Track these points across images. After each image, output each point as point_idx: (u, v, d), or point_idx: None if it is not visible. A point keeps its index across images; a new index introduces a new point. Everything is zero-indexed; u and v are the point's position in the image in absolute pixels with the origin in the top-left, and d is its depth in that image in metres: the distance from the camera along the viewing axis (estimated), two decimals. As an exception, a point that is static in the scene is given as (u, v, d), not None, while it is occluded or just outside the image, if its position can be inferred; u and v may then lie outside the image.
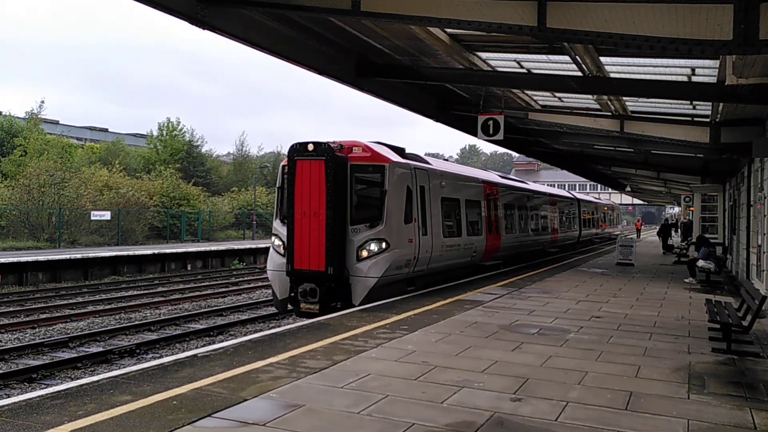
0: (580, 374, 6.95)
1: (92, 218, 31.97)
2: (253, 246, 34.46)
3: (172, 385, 6.19)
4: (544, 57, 11.75)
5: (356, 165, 12.90)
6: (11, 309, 16.85)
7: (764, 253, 12.90)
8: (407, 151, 14.71)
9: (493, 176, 22.36)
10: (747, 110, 12.08)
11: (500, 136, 15.13)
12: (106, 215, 32.72)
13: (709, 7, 6.92)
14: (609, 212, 49.40)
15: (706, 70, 11.00)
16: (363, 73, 13.32)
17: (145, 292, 20.95)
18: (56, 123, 57.35)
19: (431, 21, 8.85)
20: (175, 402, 5.68)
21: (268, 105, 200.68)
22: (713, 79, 11.17)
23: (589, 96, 13.96)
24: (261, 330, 13.14)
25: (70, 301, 18.51)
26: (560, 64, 11.75)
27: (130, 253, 26.96)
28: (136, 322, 14.90)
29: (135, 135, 67.38)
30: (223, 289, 21.89)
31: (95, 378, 6.63)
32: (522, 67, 12.83)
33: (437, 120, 18.06)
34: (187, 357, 7.52)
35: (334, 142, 12.89)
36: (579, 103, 15.70)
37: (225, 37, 10.23)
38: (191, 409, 5.49)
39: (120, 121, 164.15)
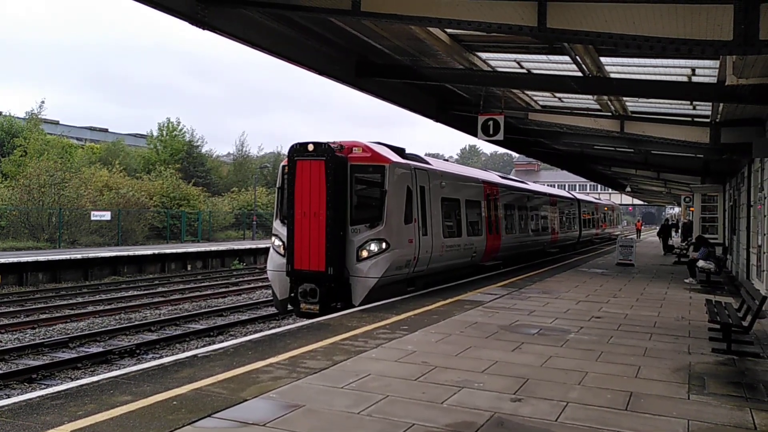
0: (580, 374, 6.95)
1: (92, 218, 31.97)
2: (253, 246, 34.47)
3: (172, 386, 6.19)
4: (544, 57, 11.74)
5: (356, 165, 12.90)
6: (11, 309, 16.85)
7: (764, 253, 12.90)
8: (407, 151, 14.71)
9: (493, 176, 22.36)
10: (747, 110, 12.08)
11: (500, 136, 15.13)
12: (106, 215, 32.73)
13: (709, 7, 6.92)
14: (609, 212, 49.41)
15: (706, 71, 11.00)
16: (363, 73, 13.32)
17: (145, 292, 20.95)
18: (56, 123, 57.31)
19: (431, 21, 8.85)
20: (175, 402, 5.68)
21: (268, 105, 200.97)
22: (713, 80, 11.17)
23: (589, 96, 13.96)
24: (261, 330, 13.15)
25: (70, 302, 18.51)
26: (560, 65, 11.75)
27: (130, 253, 26.96)
28: (136, 323, 14.90)
29: (135, 135, 67.38)
30: (223, 290, 21.89)
31: (95, 378, 6.63)
32: (522, 67, 12.82)
33: (437, 120, 18.06)
34: (187, 357, 7.53)
35: (334, 143, 12.89)
36: (579, 103, 15.70)
37: (225, 37, 10.24)
38: (191, 409, 5.49)
39: (120, 121, 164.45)
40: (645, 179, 34.21)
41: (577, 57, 10.68)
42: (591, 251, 33.00)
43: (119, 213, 33.54)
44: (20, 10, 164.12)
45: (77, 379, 9.36)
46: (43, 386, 9.63)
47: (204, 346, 11.19)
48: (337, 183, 12.36)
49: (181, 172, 45.18)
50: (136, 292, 20.80)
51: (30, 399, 5.79)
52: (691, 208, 31.84)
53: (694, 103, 13.42)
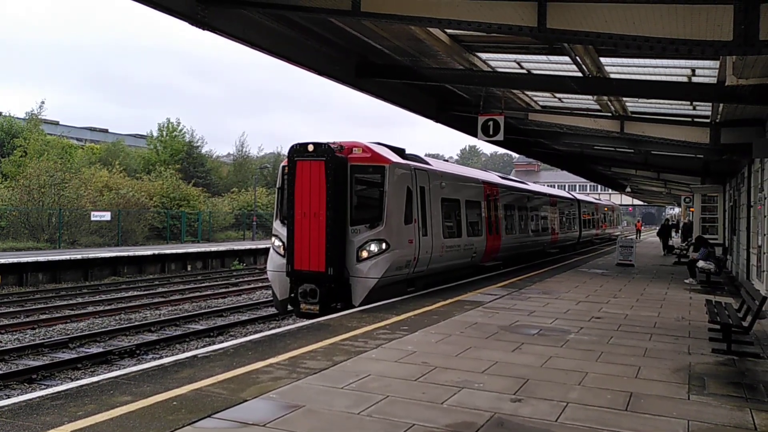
0: (580, 375, 6.95)
1: (92, 219, 31.96)
2: (253, 247, 34.48)
3: (172, 386, 6.19)
4: (544, 58, 11.74)
5: (356, 166, 12.90)
6: (11, 309, 16.85)
7: (764, 253, 12.90)
8: (407, 151, 14.71)
9: (493, 177, 22.36)
10: (747, 111, 12.08)
11: (500, 136, 15.13)
12: (106, 216, 32.72)
13: (709, 7, 6.92)
14: (609, 213, 49.43)
15: (706, 71, 11.00)
16: (363, 73, 13.33)
17: (145, 292, 20.94)
18: (56, 123, 57.32)
19: (431, 21, 8.85)
20: (175, 402, 5.68)
21: (268, 105, 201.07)
22: (713, 80, 11.17)
23: (589, 97, 13.96)
24: (261, 331, 13.14)
25: (70, 302, 18.50)
26: (560, 65, 11.75)
27: (130, 253, 26.96)
28: (136, 323, 14.90)
29: (135, 135, 67.38)
30: (223, 290, 21.89)
31: (95, 378, 6.64)
32: (522, 67, 12.83)
33: (437, 120, 18.06)
34: (187, 358, 7.53)
35: (334, 143, 12.90)
36: (579, 103, 15.70)
37: (225, 38, 10.25)
38: (191, 409, 5.49)
39: (120, 121, 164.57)
40: (645, 180, 34.21)
41: (577, 57, 10.68)
42: (591, 252, 33.00)
43: (119, 213, 33.54)
44: (20, 10, 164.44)
45: (77, 379, 9.38)
46: (43, 386, 9.63)
47: (204, 346, 11.19)
48: (337, 183, 12.36)
49: (181, 172, 45.18)
50: (136, 293, 20.80)
51: (30, 399, 5.80)
52: (691, 209, 31.87)
53: (694, 103, 13.42)
